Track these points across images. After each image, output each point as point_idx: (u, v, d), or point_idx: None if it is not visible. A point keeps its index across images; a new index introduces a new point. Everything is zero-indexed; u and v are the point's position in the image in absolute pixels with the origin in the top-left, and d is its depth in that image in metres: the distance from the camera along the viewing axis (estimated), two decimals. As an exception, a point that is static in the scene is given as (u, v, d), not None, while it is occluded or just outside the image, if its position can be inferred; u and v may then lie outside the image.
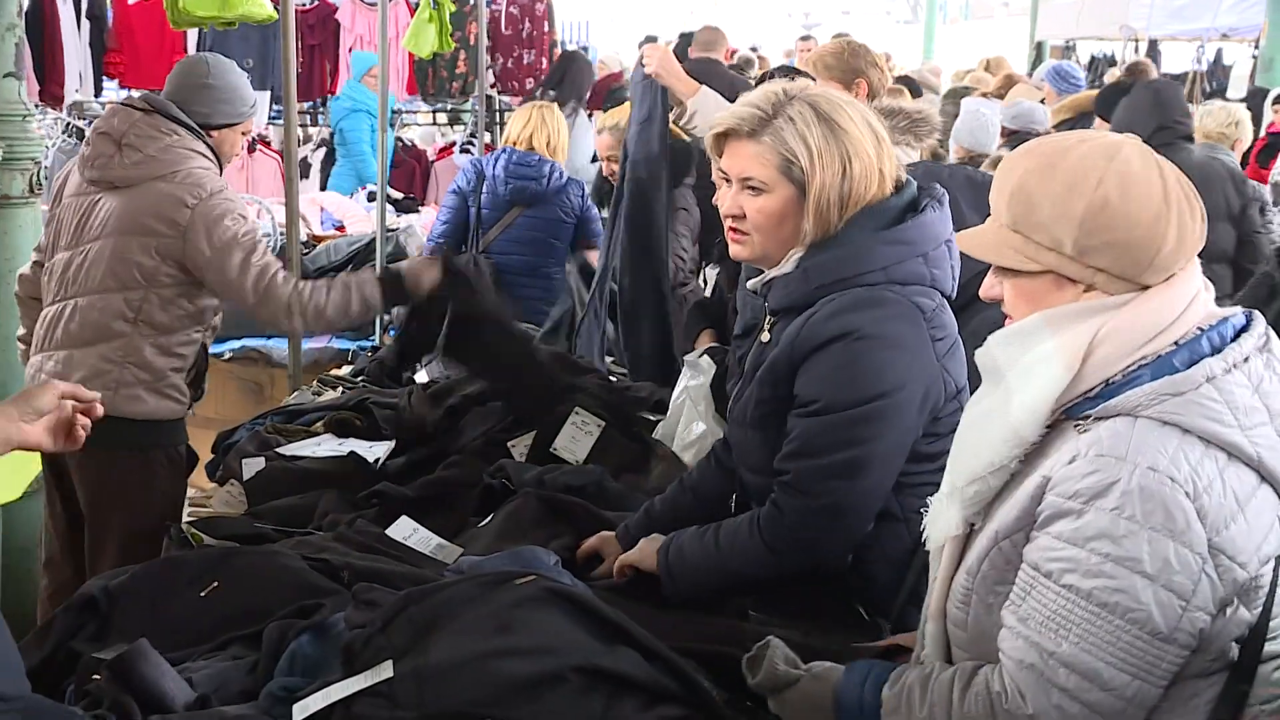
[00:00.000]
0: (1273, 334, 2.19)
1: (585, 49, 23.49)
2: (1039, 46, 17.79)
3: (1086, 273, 2.17)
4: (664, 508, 3.24)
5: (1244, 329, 2.17)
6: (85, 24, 10.23)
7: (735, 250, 2.95)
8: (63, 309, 4.59)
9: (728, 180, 2.89)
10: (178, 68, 4.90)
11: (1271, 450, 2.06)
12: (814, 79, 4.55)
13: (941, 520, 2.29)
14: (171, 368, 4.61)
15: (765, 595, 2.92)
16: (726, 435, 3.19)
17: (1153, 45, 16.05)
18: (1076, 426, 2.17)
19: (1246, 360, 2.11)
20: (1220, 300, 2.27)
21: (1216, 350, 2.13)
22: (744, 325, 3.12)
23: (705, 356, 4.14)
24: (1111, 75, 12.75)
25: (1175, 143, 6.33)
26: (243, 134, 5.00)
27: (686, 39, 10.28)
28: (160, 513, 4.51)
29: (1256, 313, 2.22)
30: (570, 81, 10.57)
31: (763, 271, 2.96)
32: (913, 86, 9.44)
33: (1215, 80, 13.96)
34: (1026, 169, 2.22)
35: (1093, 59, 17.03)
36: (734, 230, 2.90)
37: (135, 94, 8.02)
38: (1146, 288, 2.15)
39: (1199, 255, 2.21)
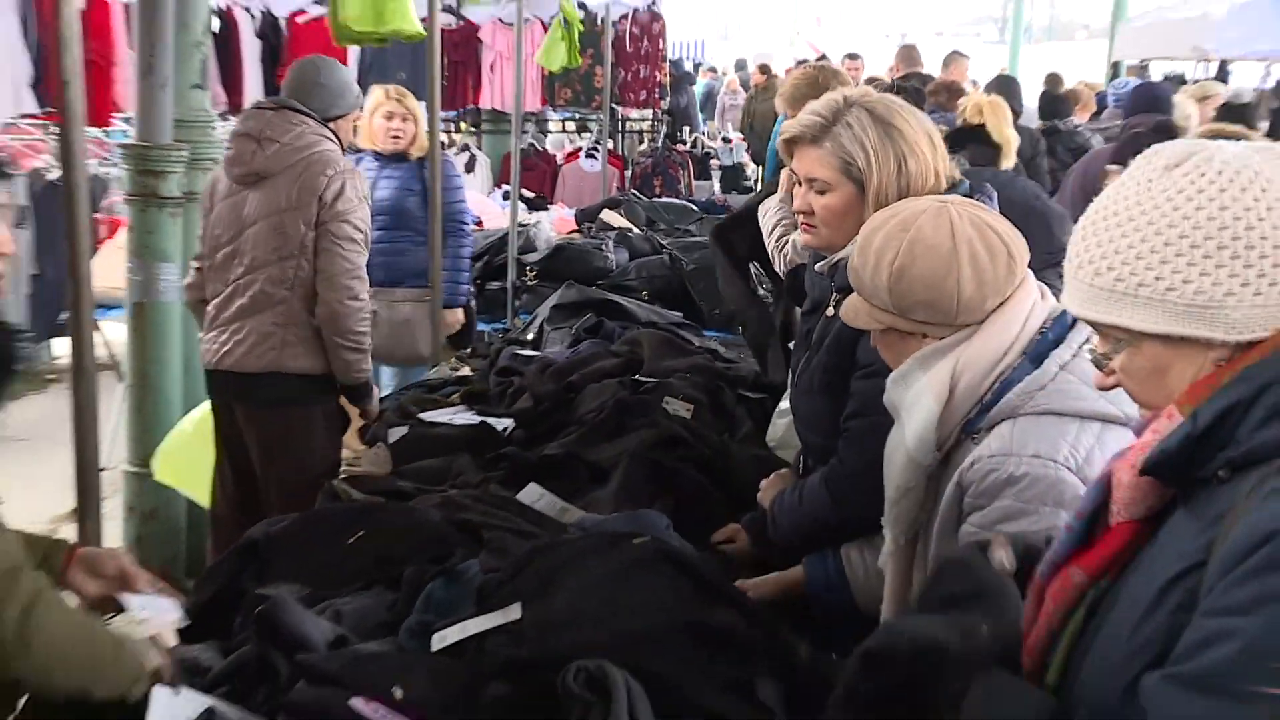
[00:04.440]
0: None
1: (699, 64, 23.58)
2: (1115, 65, 17.41)
3: (915, 325, 2.39)
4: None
5: None
6: (257, 43, 10.42)
7: (805, 239, 2.99)
8: (232, 290, 4.72)
9: (798, 181, 2.92)
10: (293, 71, 5.02)
11: (1135, 406, 2.07)
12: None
13: (885, 541, 2.44)
14: None
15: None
16: (792, 404, 3.20)
17: (1222, 66, 15.68)
18: (973, 439, 2.33)
19: (1088, 340, 2.16)
20: None
21: (1060, 341, 2.32)
22: (812, 302, 3.11)
23: None
24: (1183, 92, 12.61)
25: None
26: (355, 124, 5.13)
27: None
28: (320, 465, 4.67)
29: None
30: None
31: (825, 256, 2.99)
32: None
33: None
34: (858, 244, 2.47)
35: (1165, 77, 16.67)
36: (805, 224, 2.93)
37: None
38: (986, 319, 2.35)
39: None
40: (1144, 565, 1.67)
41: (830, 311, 2.93)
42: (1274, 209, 1.56)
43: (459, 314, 6.47)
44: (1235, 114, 8.23)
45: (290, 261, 4.63)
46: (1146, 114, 7.17)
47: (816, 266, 3.03)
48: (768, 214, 4.44)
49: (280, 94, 5.01)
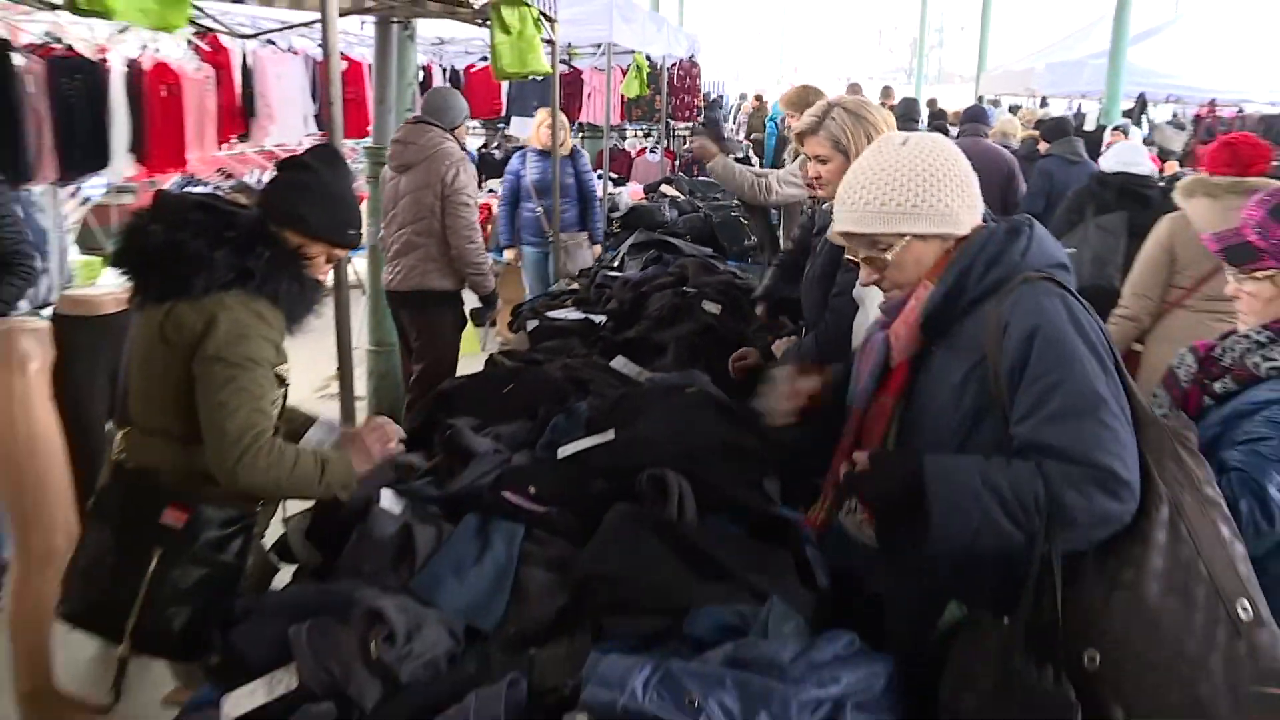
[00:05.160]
0: None
1: (722, 96, 23.14)
2: (980, 99, 17.36)
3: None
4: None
5: None
6: (447, 81, 10.28)
7: (820, 193, 2.89)
8: (392, 240, 4.73)
9: (809, 159, 2.83)
10: (430, 97, 4.90)
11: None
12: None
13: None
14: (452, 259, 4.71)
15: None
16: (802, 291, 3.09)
17: (1044, 100, 16.07)
18: None
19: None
20: None
21: None
22: (818, 228, 3.02)
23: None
24: (1018, 114, 12.74)
25: (908, 125, 7.24)
26: (465, 131, 4.98)
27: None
28: (447, 351, 4.78)
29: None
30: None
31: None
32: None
33: (1077, 119, 14.08)
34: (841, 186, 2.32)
35: (1010, 107, 16.65)
36: (818, 185, 2.84)
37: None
38: None
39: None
40: (931, 382, 1.71)
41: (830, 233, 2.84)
42: (962, 161, 1.73)
43: (599, 248, 6.47)
44: (1041, 125, 8.71)
45: (424, 221, 4.60)
46: (971, 122, 7.28)
47: (823, 205, 2.94)
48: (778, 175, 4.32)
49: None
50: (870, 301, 2.26)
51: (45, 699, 2.95)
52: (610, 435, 2.31)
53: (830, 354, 2.72)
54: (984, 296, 1.66)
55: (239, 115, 6.93)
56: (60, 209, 6.92)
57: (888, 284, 1.79)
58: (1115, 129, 10.20)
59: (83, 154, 5.44)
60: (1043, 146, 6.99)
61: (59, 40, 5.51)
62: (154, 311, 2.11)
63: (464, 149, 4.81)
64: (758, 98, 17.18)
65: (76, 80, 5.34)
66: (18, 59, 4.85)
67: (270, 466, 2.05)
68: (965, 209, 1.71)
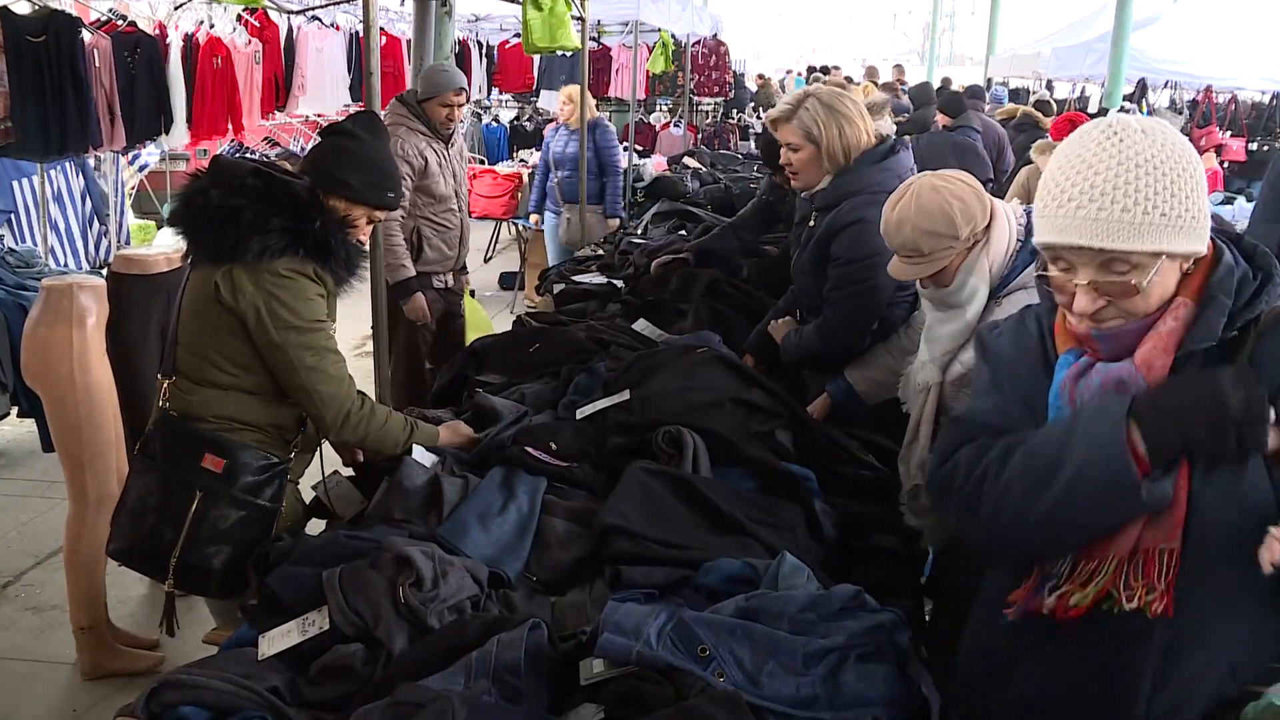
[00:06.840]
0: None
1: (743, 72, 22.88)
2: (989, 80, 17.33)
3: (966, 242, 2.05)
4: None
5: None
6: (484, 60, 10.15)
7: (794, 182, 2.77)
8: None
9: (782, 146, 2.72)
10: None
11: None
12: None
13: (924, 374, 2.16)
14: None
15: None
16: (792, 282, 2.97)
17: (1049, 83, 15.73)
18: (998, 302, 2.06)
19: None
20: None
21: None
22: (799, 218, 2.88)
23: None
24: (1034, 96, 12.72)
25: (924, 110, 7.40)
26: (442, 105, 4.15)
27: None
28: (405, 319, 4.21)
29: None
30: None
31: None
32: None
33: (1080, 102, 14.07)
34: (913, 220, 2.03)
35: (1015, 90, 16.37)
36: (790, 172, 2.73)
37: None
38: (987, 228, 2.05)
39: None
40: None
41: (812, 223, 2.73)
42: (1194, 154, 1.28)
43: (614, 222, 6.28)
44: (1039, 106, 8.81)
45: None
46: (972, 99, 7.35)
47: (803, 195, 2.80)
48: None
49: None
50: (969, 302, 2.04)
51: (100, 634, 2.98)
52: (625, 395, 2.26)
53: (836, 349, 2.65)
54: (1250, 320, 1.28)
55: (280, 87, 6.89)
56: (120, 176, 6.94)
57: (1116, 315, 1.29)
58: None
59: (141, 123, 5.47)
60: (942, 120, 6.80)
61: (123, 17, 5.56)
62: (208, 272, 2.07)
63: (431, 121, 4.16)
64: (760, 76, 17.68)
65: (137, 54, 5.36)
66: (85, 35, 4.84)
67: (361, 422, 2.14)
68: (1207, 222, 1.28)
